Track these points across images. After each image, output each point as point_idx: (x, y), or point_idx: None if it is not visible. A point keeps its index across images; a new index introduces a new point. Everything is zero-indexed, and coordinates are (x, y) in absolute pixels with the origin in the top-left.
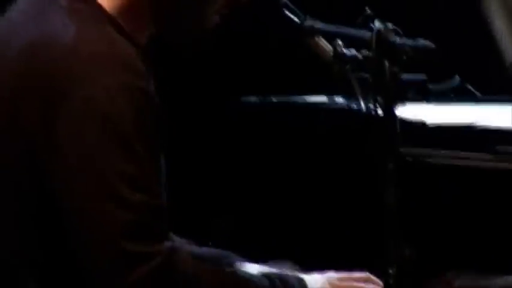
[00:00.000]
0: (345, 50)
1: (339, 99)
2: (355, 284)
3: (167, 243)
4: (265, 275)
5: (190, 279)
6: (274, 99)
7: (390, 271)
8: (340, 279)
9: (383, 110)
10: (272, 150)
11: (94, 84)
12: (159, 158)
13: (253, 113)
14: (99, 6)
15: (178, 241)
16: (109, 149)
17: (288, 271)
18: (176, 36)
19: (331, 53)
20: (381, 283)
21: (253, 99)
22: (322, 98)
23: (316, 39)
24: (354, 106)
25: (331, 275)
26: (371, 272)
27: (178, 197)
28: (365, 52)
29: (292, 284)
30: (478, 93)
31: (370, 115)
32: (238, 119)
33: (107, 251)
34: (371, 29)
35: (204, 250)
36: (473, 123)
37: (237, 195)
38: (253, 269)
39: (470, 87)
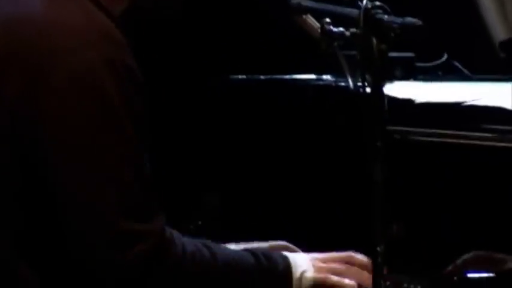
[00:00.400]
0: (332, 28)
1: (327, 77)
2: (338, 266)
3: (160, 222)
4: (251, 252)
5: (184, 257)
6: (262, 77)
7: (378, 249)
8: (324, 260)
9: (371, 88)
10: (260, 128)
11: (76, 57)
12: (145, 131)
13: (241, 90)
14: None
15: None
16: (94, 123)
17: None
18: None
19: (319, 31)
20: (366, 261)
21: (241, 77)
22: (310, 76)
23: (304, 16)
24: (342, 84)
25: (315, 255)
26: (359, 250)
27: (165, 175)
28: (353, 30)
29: (276, 261)
30: (465, 71)
31: (357, 93)
32: (227, 96)
33: (103, 230)
34: (358, 7)
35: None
36: (461, 101)
37: (224, 172)
38: (237, 247)
39: (458, 65)
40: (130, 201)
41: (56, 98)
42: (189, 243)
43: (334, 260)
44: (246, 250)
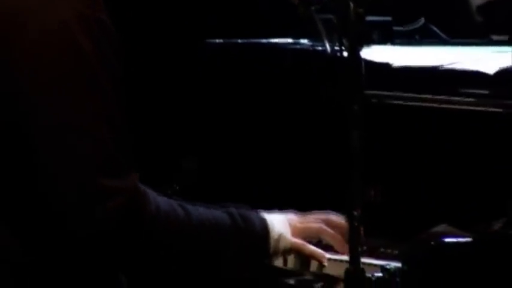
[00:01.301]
0: None
1: (304, 41)
2: (315, 225)
3: (134, 180)
4: (227, 212)
5: (158, 215)
6: (239, 41)
7: (355, 213)
8: (301, 220)
9: (348, 52)
10: (237, 92)
11: (50, 15)
12: (120, 90)
13: (219, 54)
14: None
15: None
16: (69, 78)
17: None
18: None
19: None
20: (343, 223)
21: (218, 41)
22: (287, 40)
23: None
24: (319, 48)
25: (292, 215)
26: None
27: (143, 139)
28: None
29: (253, 222)
30: (443, 35)
31: (335, 57)
32: (204, 60)
33: (78, 186)
34: None
35: None
36: (438, 65)
37: (203, 137)
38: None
39: (435, 29)
40: (104, 157)
41: (29, 54)
42: (164, 202)
43: (311, 220)
44: (223, 210)
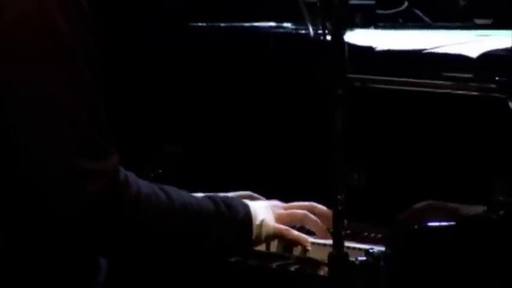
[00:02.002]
0: None
1: (287, 25)
2: (298, 212)
3: (114, 162)
4: (211, 198)
5: (139, 198)
6: (222, 25)
7: (338, 197)
8: (285, 208)
9: (331, 36)
10: (221, 76)
11: None
12: (99, 71)
13: (201, 38)
14: None
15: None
16: (46, 60)
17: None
18: None
19: None
20: (328, 211)
21: (201, 24)
22: (270, 24)
23: None
24: (302, 31)
25: (276, 203)
26: (319, 199)
27: (126, 124)
28: None
29: (237, 209)
30: (426, 19)
31: (318, 40)
32: (186, 44)
33: (57, 168)
34: None
35: None
36: (421, 48)
37: (187, 122)
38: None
39: (418, 12)
40: (84, 139)
41: (7, 35)
42: (146, 185)
43: (295, 207)
44: (206, 196)
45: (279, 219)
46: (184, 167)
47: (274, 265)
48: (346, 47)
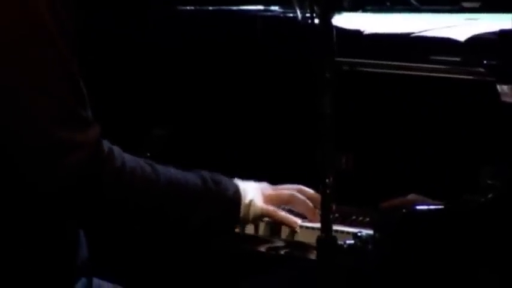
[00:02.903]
0: None
1: (275, 8)
2: (287, 192)
3: (96, 134)
4: (199, 174)
5: (123, 169)
6: (210, 8)
7: (327, 180)
8: (274, 189)
9: (319, 19)
10: (208, 59)
11: None
12: (77, 47)
13: (190, 21)
14: None
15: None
16: (24, 36)
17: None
18: None
19: None
20: (316, 195)
21: (189, 8)
22: (258, 7)
23: None
24: (290, 15)
25: (265, 185)
26: (308, 183)
27: (114, 107)
28: None
29: (226, 186)
30: (414, 2)
31: (306, 24)
32: (174, 27)
33: (34, 139)
34: None
35: None
36: (409, 32)
37: (175, 106)
38: None
39: None
40: (61, 110)
41: None
42: (131, 158)
43: (283, 189)
44: (195, 172)
45: (267, 200)
46: (172, 150)
47: (262, 249)
48: (334, 30)
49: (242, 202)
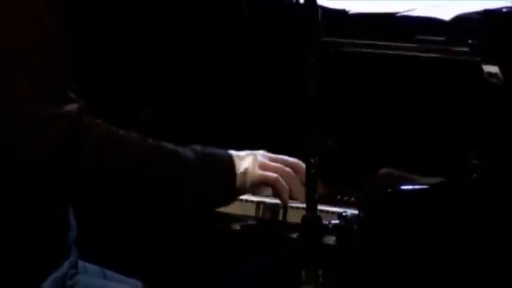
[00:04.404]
0: None
1: None
2: (281, 167)
3: (77, 107)
4: (190, 148)
5: (106, 141)
6: None
7: (312, 160)
8: (271, 159)
9: None
10: (195, 43)
11: None
12: (64, 24)
13: (176, 5)
14: None
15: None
16: (9, 13)
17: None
18: None
19: None
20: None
21: None
22: None
23: None
24: None
25: (262, 152)
26: None
27: (100, 90)
28: None
29: (218, 158)
30: None
31: (291, 4)
32: (160, 12)
33: (14, 115)
34: None
35: None
36: (394, 12)
37: (159, 88)
38: None
39: None
40: (40, 85)
41: None
42: (118, 131)
43: (281, 161)
44: (185, 146)
45: (264, 169)
46: (158, 132)
47: (245, 228)
48: (319, 10)
49: (237, 171)
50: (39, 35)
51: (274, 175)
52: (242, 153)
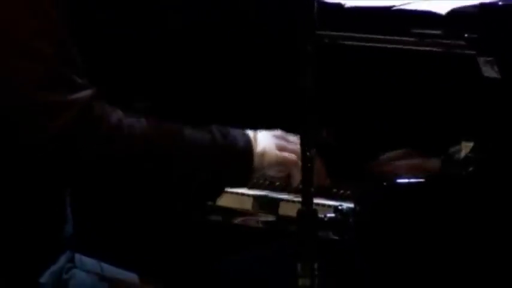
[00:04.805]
0: None
1: None
2: (294, 159)
3: (88, 94)
4: (206, 128)
5: (116, 132)
6: None
7: (308, 154)
8: (289, 143)
9: None
10: (192, 34)
11: None
12: (67, 14)
13: None
14: None
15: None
16: (14, 3)
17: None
18: None
19: None
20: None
21: None
22: None
23: None
24: None
25: (280, 133)
26: None
27: (95, 81)
28: None
29: (235, 137)
30: None
31: None
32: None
33: (24, 104)
34: None
35: None
36: (390, 5)
37: (155, 80)
38: None
39: None
40: (47, 72)
41: None
42: (132, 116)
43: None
44: (201, 127)
45: (282, 151)
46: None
47: (239, 220)
48: (315, 3)
49: (254, 152)
50: (45, 24)
51: (293, 158)
52: (260, 133)
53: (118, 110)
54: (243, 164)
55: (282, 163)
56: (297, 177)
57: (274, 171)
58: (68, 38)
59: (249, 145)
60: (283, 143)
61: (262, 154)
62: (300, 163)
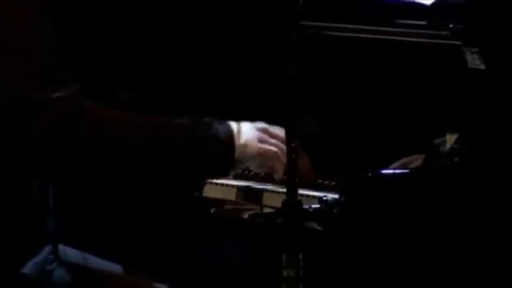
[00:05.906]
0: None
1: None
2: (282, 145)
3: (73, 90)
4: (186, 119)
5: (99, 123)
6: None
7: (293, 145)
8: (270, 134)
9: None
10: (175, 21)
11: None
12: (55, 9)
13: None
14: None
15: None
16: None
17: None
18: None
19: None
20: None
21: None
22: None
23: None
24: None
25: (262, 125)
26: None
27: (78, 69)
28: None
29: (217, 129)
30: None
31: None
32: None
33: (8, 99)
34: None
35: None
36: None
37: (138, 68)
38: None
39: None
40: (35, 69)
41: None
42: (115, 111)
43: (281, 139)
44: (182, 118)
45: (264, 143)
46: (137, 110)
47: (227, 212)
48: None
49: (236, 143)
50: (30, 21)
51: (274, 150)
52: (243, 125)
53: (100, 105)
54: (224, 155)
55: (263, 155)
56: (279, 170)
57: (256, 164)
58: (52, 31)
59: (230, 136)
60: (265, 135)
61: (244, 146)
62: (282, 156)
